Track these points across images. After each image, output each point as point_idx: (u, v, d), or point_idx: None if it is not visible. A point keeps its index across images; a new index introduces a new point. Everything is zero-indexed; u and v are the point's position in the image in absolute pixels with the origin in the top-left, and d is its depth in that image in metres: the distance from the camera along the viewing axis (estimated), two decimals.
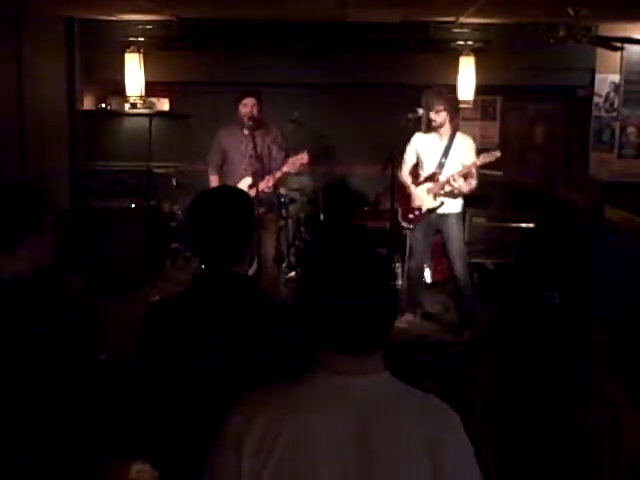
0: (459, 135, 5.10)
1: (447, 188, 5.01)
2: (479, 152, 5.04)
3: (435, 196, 5.07)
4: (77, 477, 1.88)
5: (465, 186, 4.97)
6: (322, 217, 6.42)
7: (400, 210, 5.31)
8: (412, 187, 5.18)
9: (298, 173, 5.75)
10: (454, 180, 4.92)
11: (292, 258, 6.35)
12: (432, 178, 5.09)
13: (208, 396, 1.69)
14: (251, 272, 4.98)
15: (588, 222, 5.15)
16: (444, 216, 5.11)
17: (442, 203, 5.07)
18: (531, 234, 5.91)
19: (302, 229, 6.51)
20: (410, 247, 5.26)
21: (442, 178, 5.03)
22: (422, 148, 5.15)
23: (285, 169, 4.87)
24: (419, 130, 5.29)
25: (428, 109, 5.00)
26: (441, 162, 5.06)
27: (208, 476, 1.34)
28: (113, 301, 5.47)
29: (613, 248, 4.40)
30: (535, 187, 6.61)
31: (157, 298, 5.68)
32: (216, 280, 1.80)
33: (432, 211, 5.11)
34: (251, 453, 1.26)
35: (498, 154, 4.96)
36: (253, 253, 4.68)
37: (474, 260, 5.86)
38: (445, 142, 5.05)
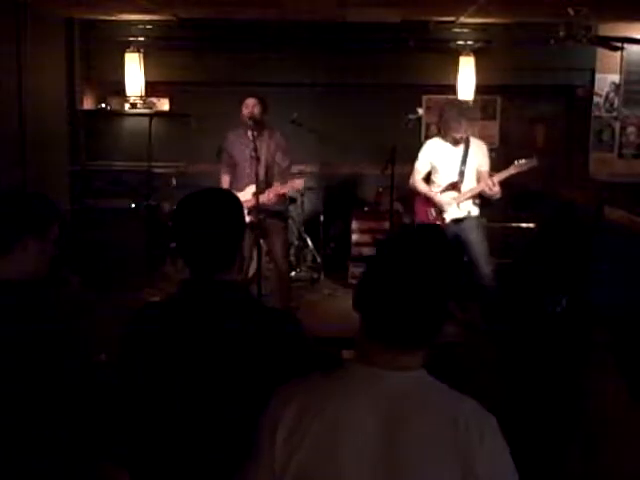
0: (473, 140, 5.04)
1: (470, 195, 4.90)
2: (512, 159, 4.93)
3: (459, 205, 4.95)
4: (76, 477, 1.88)
5: (497, 194, 4.85)
6: (322, 217, 6.43)
7: (418, 220, 5.16)
8: (437, 196, 4.99)
9: (299, 172, 5.77)
10: (491, 188, 4.79)
11: (292, 258, 6.35)
12: (454, 187, 4.97)
13: (196, 403, 1.64)
14: (250, 274, 5.00)
15: (588, 222, 5.15)
16: (463, 221, 4.98)
17: (469, 212, 4.95)
18: (533, 236, 5.91)
19: (302, 229, 6.52)
20: None
21: (464, 187, 4.92)
22: (438, 156, 5.03)
23: (284, 190, 4.91)
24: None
25: (448, 126, 4.91)
26: (461, 170, 4.94)
27: (251, 460, 1.36)
28: (113, 301, 5.47)
29: (613, 248, 4.40)
30: (535, 187, 6.61)
31: (157, 298, 5.66)
32: (204, 286, 1.72)
33: (458, 221, 4.96)
34: (284, 438, 1.30)
35: (535, 163, 4.84)
36: (244, 258, 4.69)
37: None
38: (461, 149, 4.96)
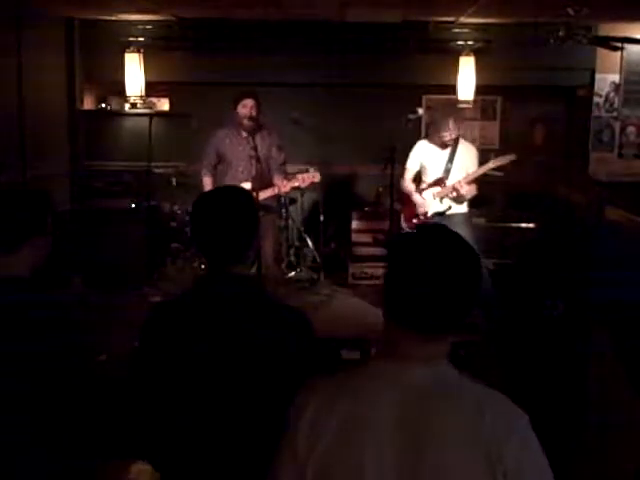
0: (462, 142, 5.19)
1: (453, 194, 5.05)
2: (494, 154, 5.07)
3: (442, 199, 5.11)
4: (76, 478, 1.88)
5: (469, 193, 5.03)
6: (322, 217, 6.43)
7: (403, 214, 5.32)
8: (415, 195, 5.19)
9: (298, 171, 5.75)
10: (460, 186, 4.96)
11: (292, 258, 6.35)
12: (439, 182, 5.13)
13: (211, 398, 1.68)
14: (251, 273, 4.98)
15: (588, 222, 5.15)
16: (449, 217, 5.09)
17: (449, 207, 5.11)
18: (533, 237, 5.91)
19: (302, 229, 6.51)
20: None
21: (449, 183, 5.07)
22: (426, 156, 5.21)
23: (295, 184, 4.86)
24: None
25: (438, 129, 5.08)
26: (447, 167, 5.12)
27: (277, 454, 1.39)
28: (113, 301, 5.47)
29: (613, 248, 4.40)
30: (535, 187, 6.61)
31: (157, 298, 5.67)
32: (219, 280, 1.80)
33: (439, 215, 5.11)
34: (306, 434, 1.32)
35: (513, 157, 4.97)
36: (256, 253, 4.66)
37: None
38: (449, 149, 5.13)
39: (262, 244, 4.91)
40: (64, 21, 6.45)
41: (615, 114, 6.76)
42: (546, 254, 5.11)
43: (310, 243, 6.47)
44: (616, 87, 6.70)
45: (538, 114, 7.02)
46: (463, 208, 5.19)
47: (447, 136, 5.03)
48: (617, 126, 6.79)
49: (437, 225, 1.44)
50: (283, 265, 6.30)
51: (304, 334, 1.76)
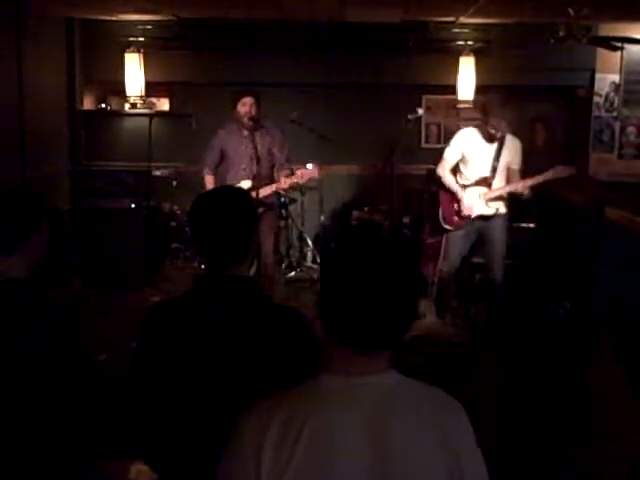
0: (509, 137, 4.75)
1: (502, 193, 4.73)
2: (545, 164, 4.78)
3: (487, 202, 4.76)
4: (76, 477, 1.88)
5: (524, 192, 4.71)
6: (322, 217, 6.43)
7: (441, 211, 4.92)
8: (461, 193, 4.78)
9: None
10: (525, 189, 4.66)
11: (292, 258, 6.35)
12: (484, 182, 4.75)
13: (209, 399, 1.68)
14: (251, 273, 4.99)
15: (588, 222, 5.14)
16: (491, 218, 4.80)
17: (497, 210, 4.77)
18: (534, 238, 5.90)
19: (302, 229, 6.52)
20: (446, 250, 4.95)
21: (495, 183, 4.73)
22: (470, 147, 4.75)
23: (295, 180, 4.84)
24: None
25: (488, 121, 4.64)
26: (494, 166, 4.72)
27: (227, 463, 1.32)
28: (113, 301, 5.47)
29: (613, 248, 4.40)
30: (535, 187, 6.60)
31: (157, 298, 5.66)
32: (218, 281, 1.80)
33: (485, 218, 4.80)
34: (271, 457, 1.25)
35: (573, 171, 4.71)
36: (254, 254, 4.64)
37: (475, 260, 5.84)
38: (496, 144, 4.70)
39: (262, 243, 4.87)
40: (64, 21, 6.45)
41: (615, 114, 6.76)
42: (547, 255, 5.11)
43: (310, 243, 6.48)
44: (616, 87, 6.70)
45: (538, 114, 7.01)
46: (503, 208, 4.83)
47: (497, 133, 4.62)
48: (617, 126, 6.79)
49: (370, 231, 1.38)
50: (283, 265, 6.31)
51: (302, 335, 1.75)
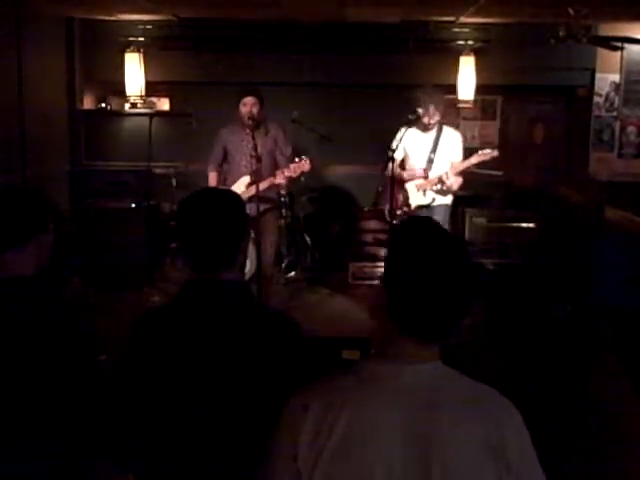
0: (446, 129, 5.04)
1: (438, 186, 4.96)
2: (476, 150, 4.96)
3: (425, 192, 5.01)
4: (76, 477, 1.88)
5: (456, 184, 4.92)
6: (322, 217, 6.43)
7: (387, 207, 5.13)
8: (406, 181, 5.06)
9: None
10: (447, 178, 4.86)
11: (292, 258, 6.35)
12: (422, 173, 5.03)
13: (198, 406, 1.63)
14: (250, 273, 4.98)
15: (588, 222, 5.15)
16: (432, 208, 5.03)
17: (433, 200, 5.01)
18: (534, 238, 5.90)
19: (302, 229, 6.51)
20: None
21: (431, 174, 4.99)
22: (410, 143, 5.06)
23: (286, 174, 4.85)
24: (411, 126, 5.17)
25: (423, 113, 4.92)
26: (430, 158, 5.00)
27: (266, 465, 1.35)
28: (113, 301, 5.47)
29: (613, 248, 4.40)
30: (535, 187, 6.61)
31: (157, 298, 5.63)
32: (207, 287, 1.71)
33: (422, 208, 5.03)
34: (308, 440, 1.28)
35: (495, 153, 4.88)
36: (246, 256, 4.62)
37: (474, 260, 5.85)
38: (432, 136, 5.00)
39: (262, 242, 4.87)
40: (64, 21, 6.45)
41: (615, 114, 6.76)
42: (548, 255, 5.12)
43: (310, 243, 6.48)
44: (616, 87, 6.70)
45: (538, 114, 7.02)
46: (447, 200, 5.07)
47: (427, 120, 4.89)
48: (617, 126, 6.79)
49: (436, 226, 1.42)
50: (283, 265, 6.31)
51: (293, 341, 1.70)
